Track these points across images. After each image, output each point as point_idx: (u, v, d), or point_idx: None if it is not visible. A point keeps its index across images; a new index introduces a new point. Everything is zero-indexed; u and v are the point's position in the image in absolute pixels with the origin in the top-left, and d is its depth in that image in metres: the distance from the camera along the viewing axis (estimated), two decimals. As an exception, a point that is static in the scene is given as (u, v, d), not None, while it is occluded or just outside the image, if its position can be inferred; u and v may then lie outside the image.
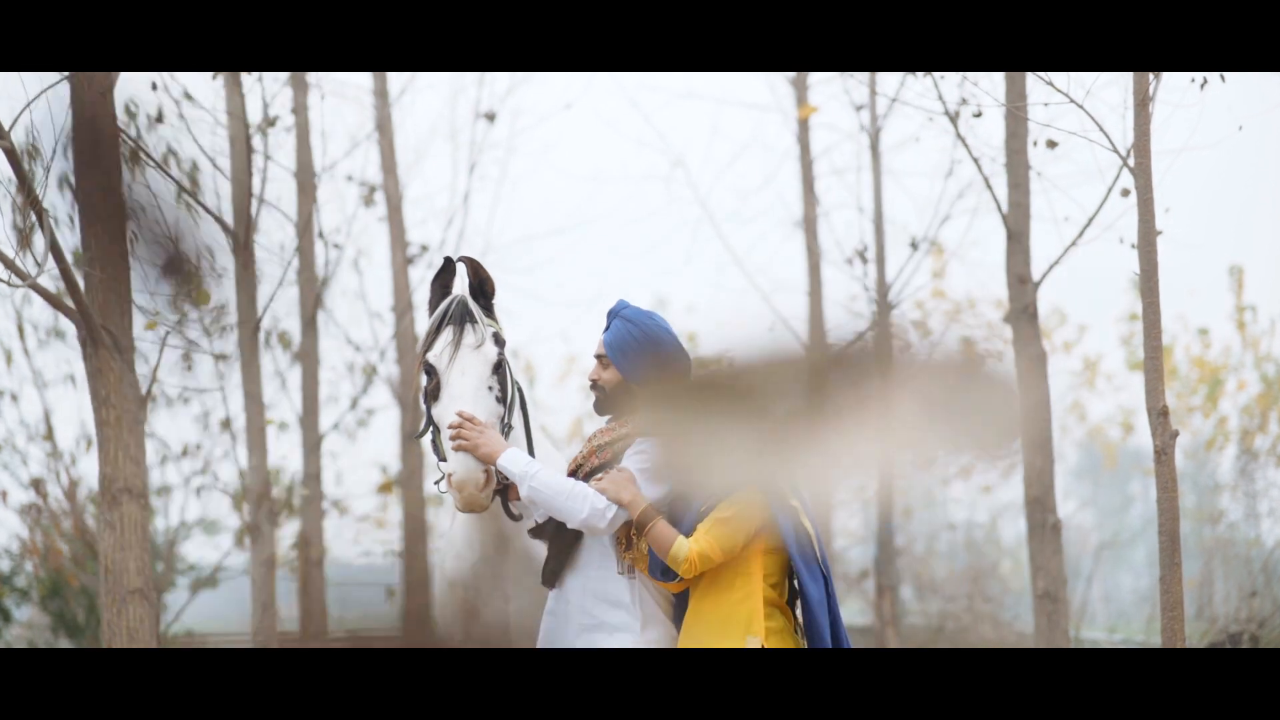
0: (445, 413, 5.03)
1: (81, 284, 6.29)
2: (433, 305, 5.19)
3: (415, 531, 12.35)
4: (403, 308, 12.04)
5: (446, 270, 5.22)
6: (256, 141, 8.87)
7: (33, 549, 12.97)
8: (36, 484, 12.89)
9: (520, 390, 5.33)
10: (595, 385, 5.22)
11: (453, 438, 4.94)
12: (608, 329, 5.22)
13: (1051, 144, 8.49)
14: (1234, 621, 11.20)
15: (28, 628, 14.35)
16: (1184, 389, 15.32)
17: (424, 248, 12.30)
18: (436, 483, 5.13)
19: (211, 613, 17.46)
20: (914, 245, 12.14)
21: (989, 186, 8.65)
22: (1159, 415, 5.96)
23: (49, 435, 12.91)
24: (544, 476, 4.95)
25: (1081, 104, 6.39)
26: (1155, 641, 14.27)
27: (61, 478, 12.78)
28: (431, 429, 5.14)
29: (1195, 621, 11.83)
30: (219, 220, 8.99)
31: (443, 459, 5.04)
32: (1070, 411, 19.09)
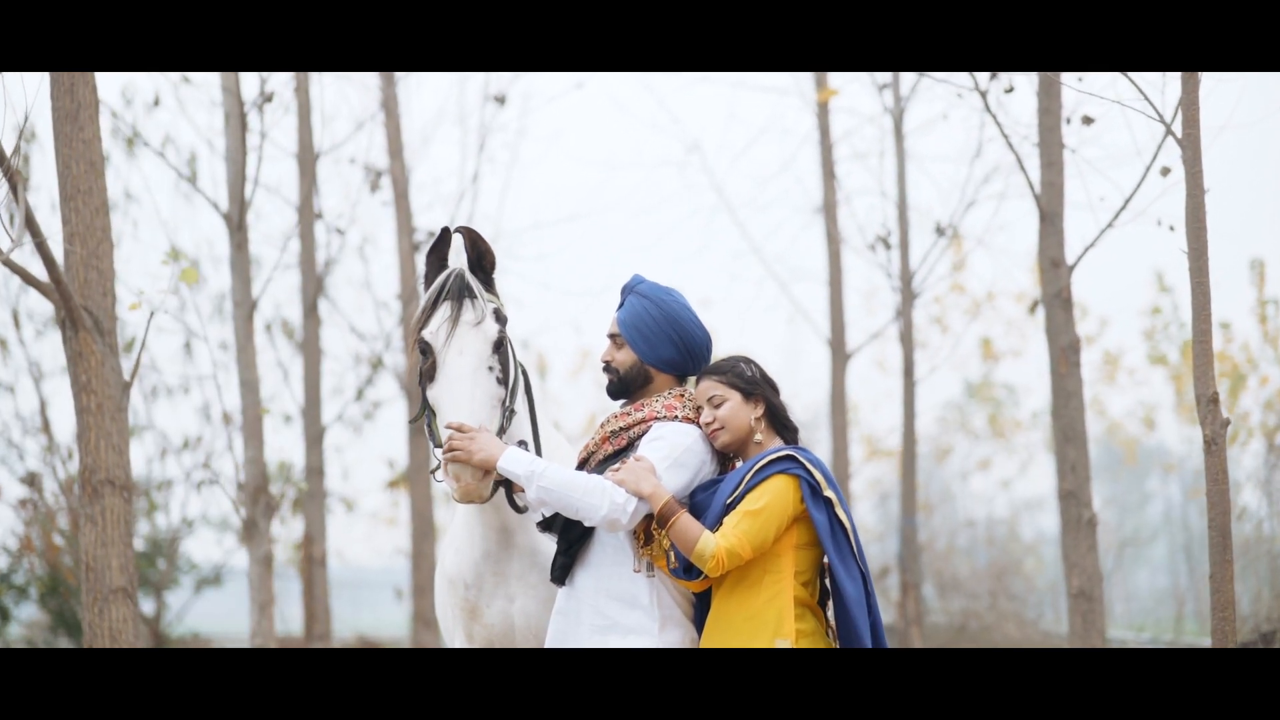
0: (442, 395, 4.67)
1: (60, 261, 5.93)
2: (429, 279, 4.83)
3: (423, 530, 12.08)
4: (409, 295, 11.76)
5: (443, 242, 4.87)
6: (253, 119, 8.55)
7: (28, 545, 12.71)
8: (32, 478, 12.61)
9: (524, 371, 4.96)
10: (608, 367, 4.87)
11: (445, 454, 4.56)
12: (622, 306, 4.86)
13: (1087, 120, 8.16)
14: (1265, 621, 10.91)
15: (28, 627, 14.12)
16: (1205, 384, 15.06)
17: (431, 234, 11.98)
18: (433, 471, 4.76)
19: (220, 613, 17.27)
20: (939, 231, 11.84)
21: (1021, 165, 8.28)
22: (1209, 402, 5.65)
23: (45, 428, 12.62)
24: (553, 474, 4.56)
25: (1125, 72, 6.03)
26: (1184, 641, 14.00)
27: (58, 471, 12.49)
28: (427, 413, 4.76)
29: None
30: (213, 204, 8.70)
31: (439, 445, 4.66)
32: (1089, 407, 18.85)
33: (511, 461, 4.57)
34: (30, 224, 5.62)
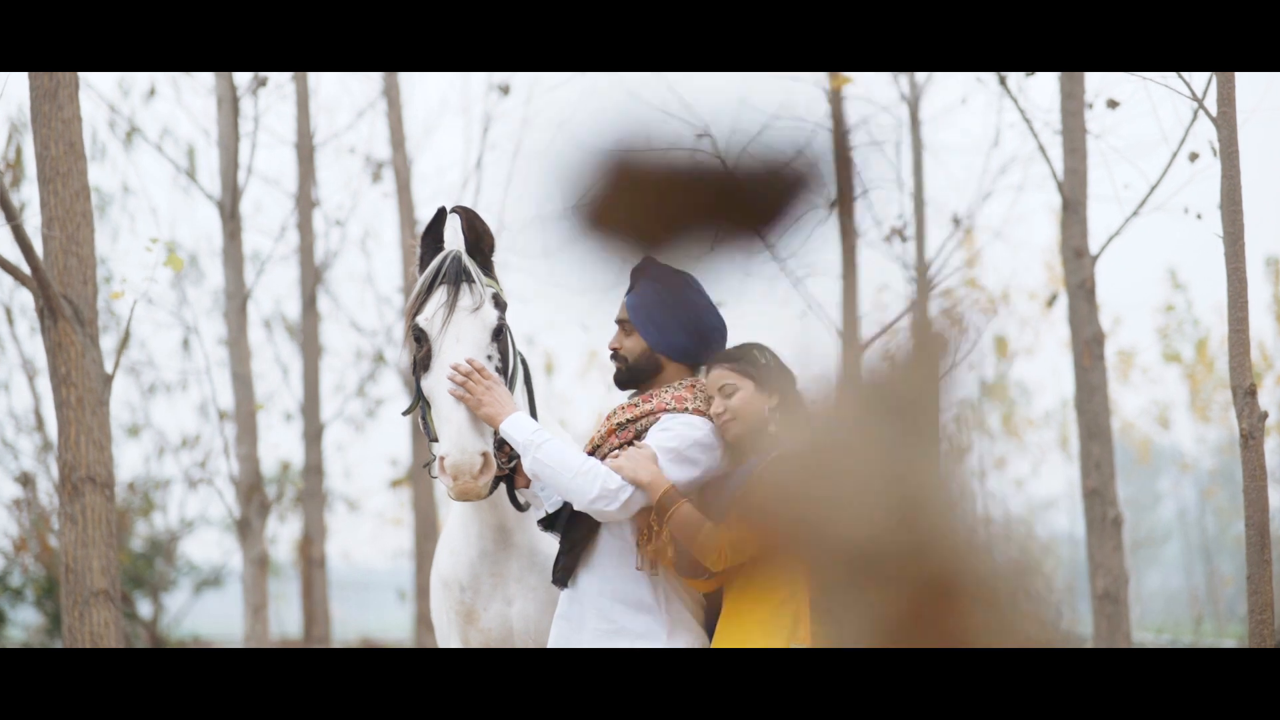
0: (437, 385, 4.39)
1: (39, 247, 5.68)
2: (424, 262, 4.56)
3: (426, 530, 11.86)
4: (411, 289, 11.51)
5: (439, 222, 4.61)
6: (246, 105, 8.30)
7: (22, 546, 12.49)
8: (26, 478, 12.39)
9: (524, 361, 4.69)
10: (616, 355, 4.59)
11: (453, 390, 4.28)
12: (631, 290, 4.57)
13: (1112, 103, 7.90)
14: (1289, 622, 10.67)
15: (26, 630, 13.93)
16: (1221, 382, 15.10)
17: (432, 223, 11.77)
18: (426, 465, 4.48)
19: (220, 615, 17.07)
20: (956, 222, 11.57)
21: (1043, 152, 8.02)
22: (1245, 394, 5.43)
23: (39, 426, 12.40)
24: (552, 448, 4.31)
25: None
26: (1205, 643, 13.77)
27: (52, 471, 12.27)
28: (422, 404, 4.49)
29: (1245, 622, 11.35)
30: (207, 194, 8.47)
31: (434, 439, 4.40)
32: (1102, 405, 18.66)
33: (515, 425, 4.33)
34: (5, 206, 5.35)
